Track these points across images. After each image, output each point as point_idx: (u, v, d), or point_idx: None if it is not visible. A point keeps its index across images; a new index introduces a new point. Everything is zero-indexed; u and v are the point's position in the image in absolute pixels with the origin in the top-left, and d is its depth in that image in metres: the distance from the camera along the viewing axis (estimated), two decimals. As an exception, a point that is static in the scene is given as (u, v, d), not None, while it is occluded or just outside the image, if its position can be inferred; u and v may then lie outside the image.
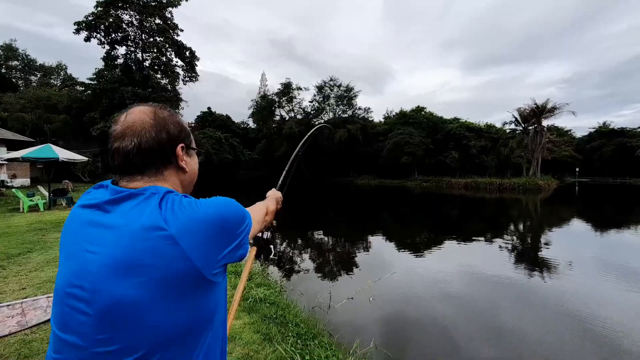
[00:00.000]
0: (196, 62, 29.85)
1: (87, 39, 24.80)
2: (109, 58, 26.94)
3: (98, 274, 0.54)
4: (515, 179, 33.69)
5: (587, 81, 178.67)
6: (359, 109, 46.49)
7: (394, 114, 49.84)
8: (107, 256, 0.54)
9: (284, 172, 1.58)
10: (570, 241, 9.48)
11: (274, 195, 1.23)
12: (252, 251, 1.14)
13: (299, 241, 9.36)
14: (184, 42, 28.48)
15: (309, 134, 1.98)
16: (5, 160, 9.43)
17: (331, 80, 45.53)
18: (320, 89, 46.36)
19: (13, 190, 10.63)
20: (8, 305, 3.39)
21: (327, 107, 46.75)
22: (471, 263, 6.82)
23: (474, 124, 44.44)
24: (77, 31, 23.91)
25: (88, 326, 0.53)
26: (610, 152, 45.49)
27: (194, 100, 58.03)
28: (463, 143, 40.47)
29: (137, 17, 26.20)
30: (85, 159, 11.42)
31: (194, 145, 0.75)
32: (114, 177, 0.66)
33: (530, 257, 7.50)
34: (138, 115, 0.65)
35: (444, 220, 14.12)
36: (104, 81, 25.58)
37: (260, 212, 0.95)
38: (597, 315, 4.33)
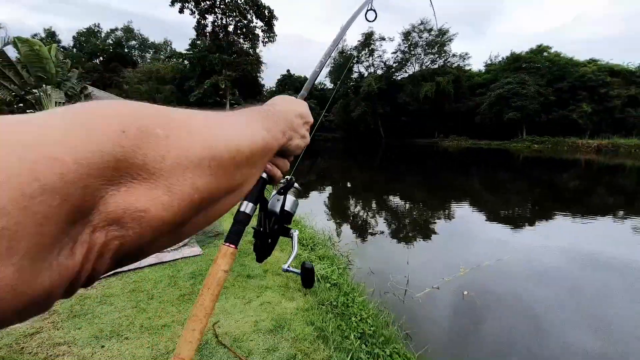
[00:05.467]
0: (274, 22, 29.68)
1: (181, 11, 27.14)
2: (199, 27, 29.06)
3: None
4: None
5: None
6: (453, 55, 39.29)
7: (501, 59, 40.55)
8: None
9: (321, 59, 0.75)
10: None
11: (286, 109, 0.42)
12: (226, 254, 0.38)
13: (371, 207, 8.43)
14: (263, 1, 28.36)
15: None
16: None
17: (421, 23, 39.24)
18: (407, 35, 40.66)
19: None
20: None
21: (413, 58, 41.19)
22: (593, 248, 4.98)
23: (622, 66, 32.53)
24: (172, 3, 26.22)
25: None
26: None
27: (274, 64, 59.59)
28: (600, 92, 30.29)
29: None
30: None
31: None
32: None
33: None
34: None
35: (558, 191, 10.90)
36: (196, 50, 28.03)
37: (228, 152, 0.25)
38: None
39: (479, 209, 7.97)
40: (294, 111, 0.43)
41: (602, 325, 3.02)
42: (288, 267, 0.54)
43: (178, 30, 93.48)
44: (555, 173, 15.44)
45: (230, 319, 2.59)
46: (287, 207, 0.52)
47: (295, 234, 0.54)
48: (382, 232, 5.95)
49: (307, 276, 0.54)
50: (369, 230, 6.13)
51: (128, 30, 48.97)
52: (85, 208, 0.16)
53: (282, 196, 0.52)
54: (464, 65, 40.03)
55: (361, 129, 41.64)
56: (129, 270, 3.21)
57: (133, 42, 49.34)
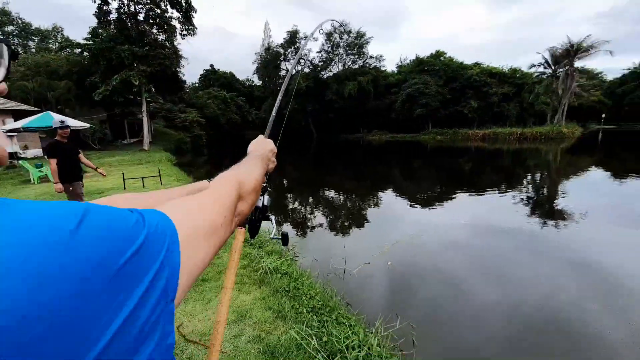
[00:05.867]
0: (193, 14, 27.51)
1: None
2: (101, 13, 25.06)
3: None
4: (538, 127, 31.90)
5: (627, 14, 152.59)
6: (371, 57, 42.90)
7: (409, 61, 45.94)
8: None
9: (275, 106, 1.10)
10: (586, 191, 8.96)
11: (263, 150, 0.77)
12: (240, 233, 0.75)
13: (309, 203, 9.11)
14: (178, -10, 25.92)
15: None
16: (5, 131, 9.22)
17: (341, 25, 41.60)
18: (329, 36, 42.61)
19: (20, 162, 10.44)
20: None
21: (336, 58, 43.47)
22: (486, 217, 6.60)
23: (497, 68, 40.54)
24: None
25: None
26: (643, 95, 41.62)
27: (196, 58, 55.30)
28: (483, 91, 37.40)
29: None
30: (87, 125, 11.09)
31: None
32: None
33: (546, 208, 7.41)
34: None
35: (457, 174, 13.49)
36: (99, 40, 24.14)
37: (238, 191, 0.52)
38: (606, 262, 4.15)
39: (397, 194, 9.42)
40: (268, 149, 0.78)
41: (501, 276, 4.20)
42: (273, 236, 0.88)
43: (71, 14, 78.06)
44: (454, 159, 18.75)
45: (193, 319, 2.82)
46: (265, 203, 0.82)
47: (273, 217, 0.85)
48: (321, 225, 6.65)
49: (285, 238, 0.87)
50: (310, 224, 6.77)
51: (4, 12, 38.42)
52: (235, 209, 0.46)
53: (262, 196, 0.81)
54: (380, 66, 44.15)
55: (293, 126, 42.32)
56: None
57: (11, 28, 38.95)
